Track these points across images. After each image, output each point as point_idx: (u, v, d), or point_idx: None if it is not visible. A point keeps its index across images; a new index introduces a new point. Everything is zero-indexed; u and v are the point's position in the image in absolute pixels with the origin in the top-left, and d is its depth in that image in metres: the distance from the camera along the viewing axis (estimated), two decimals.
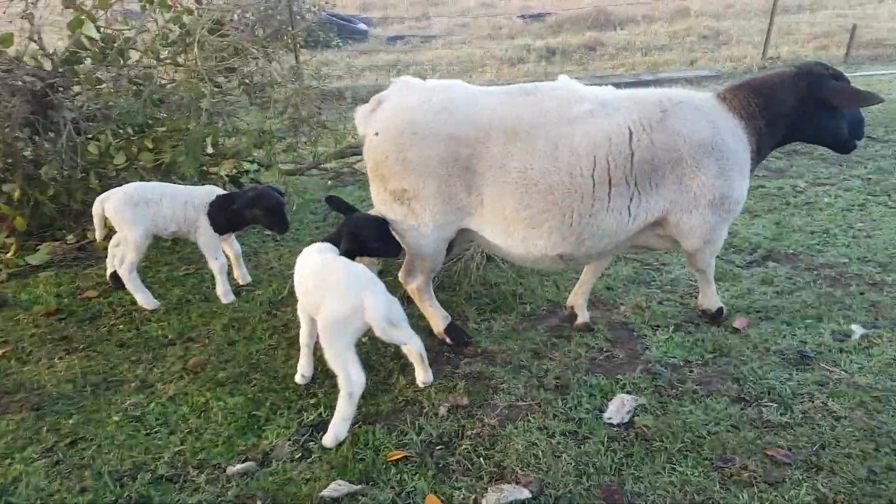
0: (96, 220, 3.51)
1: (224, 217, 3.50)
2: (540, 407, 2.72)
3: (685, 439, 2.50)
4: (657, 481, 2.31)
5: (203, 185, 3.79)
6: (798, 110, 3.00)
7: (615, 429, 2.59)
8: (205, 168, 3.93)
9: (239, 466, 2.36)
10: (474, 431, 2.59)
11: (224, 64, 3.89)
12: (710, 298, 3.32)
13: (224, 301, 3.59)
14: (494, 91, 2.91)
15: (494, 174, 2.76)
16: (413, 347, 2.73)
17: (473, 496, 2.27)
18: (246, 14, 4.41)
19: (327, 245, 2.77)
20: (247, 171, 4.37)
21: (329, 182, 5.58)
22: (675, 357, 3.07)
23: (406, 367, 3.01)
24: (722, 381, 2.88)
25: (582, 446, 2.50)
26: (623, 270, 3.98)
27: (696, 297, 3.46)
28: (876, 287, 3.65)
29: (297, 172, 4.79)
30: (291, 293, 3.66)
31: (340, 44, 12.13)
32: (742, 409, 2.68)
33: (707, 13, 13.45)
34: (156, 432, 2.58)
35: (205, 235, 3.52)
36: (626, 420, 2.64)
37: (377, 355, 3.12)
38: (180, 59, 3.92)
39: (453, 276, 3.82)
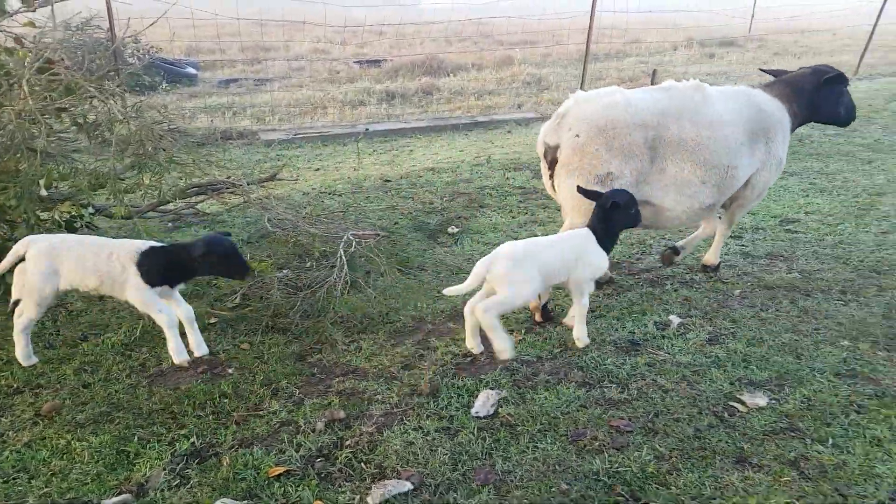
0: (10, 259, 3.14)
1: (166, 269, 3.23)
2: (414, 411, 2.95)
3: (543, 421, 2.86)
4: (523, 459, 2.63)
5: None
6: (815, 96, 4.23)
7: (483, 420, 2.89)
8: (38, 213, 3.72)
9: (115, 499, 2.31)
10: (353, 440, 2.75)
11: (56, 104, 3.76)
12: (717, 254, 4.49)
13: (176, 360, 3.27)
14: (647, 91, 3.93)
15: (674, 147, 3.75)
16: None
17: (358, 496, 2.43)
18: (76, 52, 4.29)
19: None
20: (81, 216, 4.19)
21: (170, 224, 5.47)
22: (528, 355, 3.47)
23: (278, 392, 3.10)
24: (569, 370, 3.30)
25: (455, 439, 2.76)
26: None
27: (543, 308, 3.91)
28: (687, 284, 4.36)
29: (134, 216, 4.65)
30: (144, 334, 3.59)
31: (168, 88, 11.82)
32: (588, 392, 3.11)
33: (528, 62, 14.95)
34: (14, 479, 2.43)
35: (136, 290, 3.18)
36: (491, 412, 2.95)
37: (246, 383, 3.17)
38: (4, 100, 3.73)
39: (317, 303, 3.96)
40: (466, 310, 3.38)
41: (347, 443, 2.73)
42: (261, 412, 2.96)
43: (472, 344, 3.45)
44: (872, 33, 15.01)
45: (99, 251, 3.17)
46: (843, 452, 2.66)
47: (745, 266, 4.66)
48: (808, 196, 6.22)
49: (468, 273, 3.35)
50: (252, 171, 6.71)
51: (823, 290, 4.16)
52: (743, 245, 5.06)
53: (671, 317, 3.87)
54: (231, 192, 5.06)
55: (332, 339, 3.64)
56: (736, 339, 3.59)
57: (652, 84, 12.84)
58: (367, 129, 9.18)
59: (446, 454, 2.65)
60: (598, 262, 3.44)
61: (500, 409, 2.96)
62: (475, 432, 2.79)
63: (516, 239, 4.02)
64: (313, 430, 2.82)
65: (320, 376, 3.29)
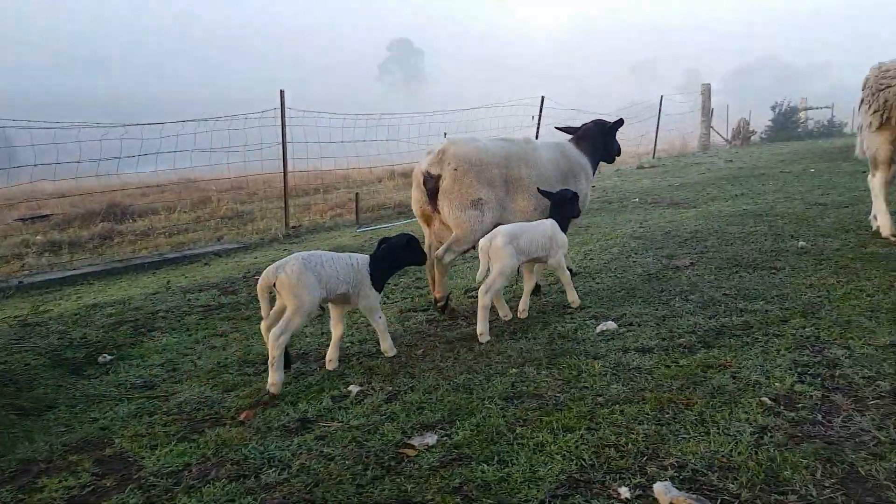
0: None
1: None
2: None
3: None
4: None
5: None
6: (603, 141, 5.51)
7: None
8: None
9: None
10: None
11: None
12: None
13: (390, 354, 4.01)
14: (495, 140, 4.95)
15: (517, 183, 4.78)
16: None
17: None
18: None
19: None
20: None
21: None
22: (171, 465, 2.84)
23: None
24: (220, 467, 2.77)
25: None
26: (124, 409, 3.63)
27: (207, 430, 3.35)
28: (372, 356, 4.17)
29: None
30: None
31: None
32: (241, 484, 2.60)
33: (230, 199, 14.72)
34: None
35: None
36: None
37: None
38: None
39: None
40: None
41: None
42: None
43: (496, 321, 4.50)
44: None
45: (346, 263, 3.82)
46: (508, 465, 2.53)
47: (428, 329, 4.67)
48: None
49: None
50: None
51: (497, 335, 4.29)
52: (428, 314, 5.11)
53: (350, 387, 3.60)
54: None
55: None
56: (414, 392, 3.42)
57: (357, 209, 13.50)
58: (20, 282, 7.84)
59: None
60: (563, 240, 4.56)
61: None
62: None
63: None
64: None
65: None
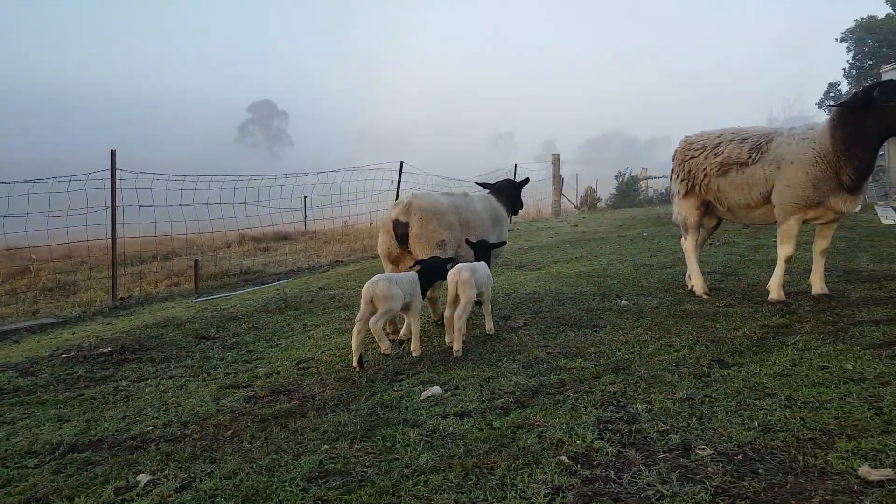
0: None
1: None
2: None
3: None
4: None
5: None
6: (514, 196, 6.83)
7: None
8: None
9: None
10: None
11: None
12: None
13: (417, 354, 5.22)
14: (444, 194, 6.10)
15: (467, 226, 5.96)
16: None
17: None
18: None
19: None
20: None
21: None
22: None
23: None
24: None
25: None
26: None
27: None
28: (173, 441, 3.82)
29: None
30: None
31: None
32: None
33: (52, 269, 13.47)
34: None
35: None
36: None
37: None
38: None
39: None
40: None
41: None
42: None
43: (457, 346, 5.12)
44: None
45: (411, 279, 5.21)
46: None
47: (244, 407, 4.39)
48: (329, 338, 6.52)
49: None
50: None
51: (318, 408, 4.12)
52: (249, 390, 4.83)
53: (140, 476, 3.25)
54: None
55: None
56: (211, 478, 3.15)
57: (196, 277, 12.83)
58: None
59: None
60: (491, 278, 5.83)
61: None
62: None
63: None
64: None
65: None
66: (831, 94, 42.01)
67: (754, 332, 4.95)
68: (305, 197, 25.46)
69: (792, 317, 5.33)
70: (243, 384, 5.04)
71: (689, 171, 6.35)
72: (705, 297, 6.41)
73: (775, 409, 3.34)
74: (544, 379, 4.21)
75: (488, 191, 6.79)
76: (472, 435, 3.33)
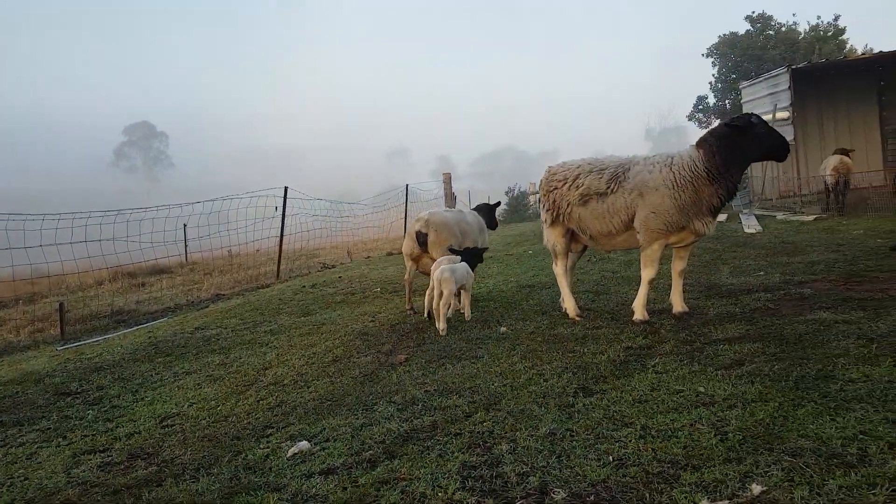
0: None
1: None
2: None
3: None
4: None
5: None
6: (490, 215, 9.22)
7: None
8: None
9: None
10: None
11: None
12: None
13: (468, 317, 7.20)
14: (447, 210, 9.29)
15: (464, 234, 8.07)
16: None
17: None
18: None
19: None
20: None
21: None
22: None
23: None
24: None
25: None
26: None
27: None
28: None
29: None
30: None
31: None
32: None
33: None
34: None
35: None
36: None
37: None
38: None
39: None
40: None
41: None
42: None
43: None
44: (280, 247, 17.82)
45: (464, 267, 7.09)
46: None
47: (98, 476, 4.10)
48: (199, 388, 6.23)
49: None
50: None
51: (177, 475, 3.90)
52: (106, 455, 4.52)
53: None
54: None
55: None
56: None
57: (62, 321, 11.94)
58: None
59: None
60: (472, 275, 7.43)
61: None
62: None
63: None
64: None
65: None
66: (700, 107, 45.13)
67: (618, 356, 5.18)
68: (185, 225, 24.37)
69: (654, 337, 5.64)
70: (101, 448, 4.73)
71: (554, 201, 6.60)
72: (578, 319, 6.66)
73: (630, 441, 3.50)
74: (417, 422, 4.21)
75: (471, 209, 9.35)
76: (335, 496, 3.26)
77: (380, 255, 19.60)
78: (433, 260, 7.70)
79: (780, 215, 16.93)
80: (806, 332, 5.14)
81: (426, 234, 7.82)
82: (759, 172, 20.79)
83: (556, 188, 6.57)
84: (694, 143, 5.93)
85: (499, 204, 9.71)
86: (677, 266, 6.25)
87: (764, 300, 6.50)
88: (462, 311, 7.44)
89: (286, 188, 17.84)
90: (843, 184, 15.36)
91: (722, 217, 18.32)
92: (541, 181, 6.93)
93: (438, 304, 6.79)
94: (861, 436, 3.18)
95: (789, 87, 20.07)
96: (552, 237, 6.82)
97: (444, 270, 6.74)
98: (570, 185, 6.43)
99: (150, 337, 9.65)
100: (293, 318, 9.75)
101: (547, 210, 6.72)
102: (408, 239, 8.22)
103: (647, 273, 6.12)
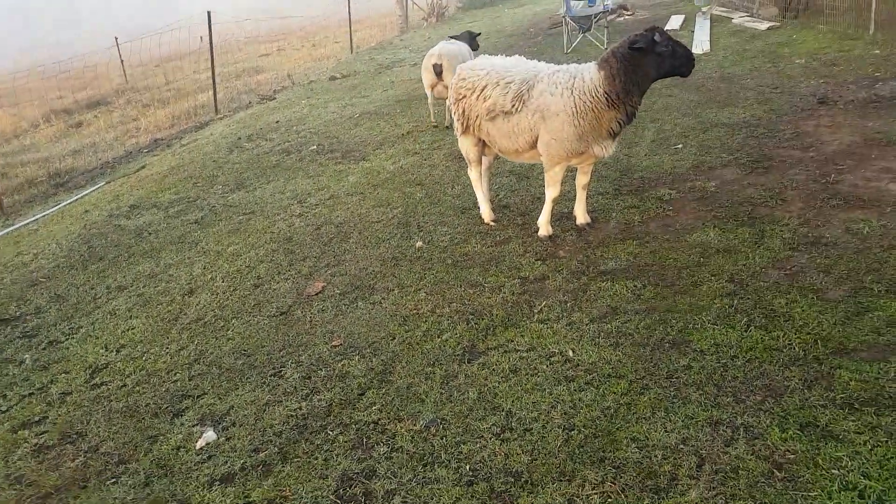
0: None
1: None
2: None
3: None
4: None
5: None
6: (472, 41, 11.87)
7: None
8: None
9: None
10: None
11: None
12: None
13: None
14: (451, 43, 11.06)
15: (464, 59, 9.97)
16: None
17: None
18: None
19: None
20: None
21: None
22: None
23: None
24: None
25: None
26: None
27: None
28: None
29: None
30: None
31: None
32: None
33: None
34: None
35: None
36: None
37: None
38: None
39: None
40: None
41: None
42: None
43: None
44: (213, 79, 16.89)
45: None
46: None
47: (33, 470, 4.57)
48: (129, 318, 6.52)
49: None
50: None
51: (99, 471, 4.37)
52: (41, 434, 4.96)
53: None
54: None
55: None
56: None
57: None
58: None
59: None
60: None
61: None
62: None
63: None
64: None
65: None
66: None
67: (513, 292, 5.47)
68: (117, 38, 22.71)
69: (551, 263, 5.88)
70: (36, 419, 5.15)
71: (463, 110, 6.40)
72: (492, 224, 6.85)
73: (489, 440, 3.90)
74: (315, 402, 4.57)
75: (458, 40, 10.97)
76: None
77: (323, 81, 18.73)
78: (446, 88, 9.25)
79: (736, 18, 16.19)
80: (686, 266, 5.38)
81: (440, 65, 9.91)
82: None
83: (464, 97, 6.33)
84: (596, 62, 5.64)
85: (479, 34, 12.36)
86: (581, 180, 6.31)
87: (666, 199, 6.68)
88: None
89: (209, 13, 16.45)
90: None
91: (679, 19, 17.47)
92: (451, 86, 6.64)
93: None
94: (681, 445, 3.59)
95: None
96: (465, 145, 6.71)
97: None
98: (479, 96, 6.19)
99: (84, 225, 9.71)
100: (225, 195, 9.77)
101: (458, 119, 6.54)
102: (425, 73, 10.27)
103: (550, 192, 6.20)
